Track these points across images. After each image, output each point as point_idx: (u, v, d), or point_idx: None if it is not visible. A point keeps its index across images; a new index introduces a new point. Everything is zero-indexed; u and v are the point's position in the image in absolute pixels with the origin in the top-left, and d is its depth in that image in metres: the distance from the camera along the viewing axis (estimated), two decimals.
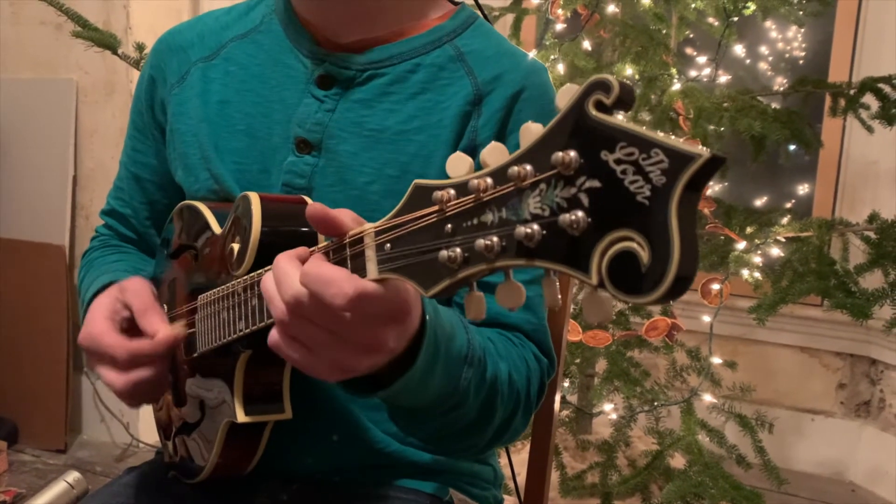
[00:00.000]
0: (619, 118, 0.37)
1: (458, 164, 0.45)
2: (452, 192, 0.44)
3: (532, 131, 0.40)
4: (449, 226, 0.44)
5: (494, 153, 0.42)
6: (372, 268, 0.49)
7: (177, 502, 0.84)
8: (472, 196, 0.43)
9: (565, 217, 0.37)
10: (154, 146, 0.92)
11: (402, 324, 0.53)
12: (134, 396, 0.74)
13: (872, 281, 1.66)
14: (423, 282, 0.46)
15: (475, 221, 0.43)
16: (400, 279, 0.48)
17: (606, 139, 0.36)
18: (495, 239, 0.41)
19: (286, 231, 0.66)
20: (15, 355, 2.45)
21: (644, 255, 0.35)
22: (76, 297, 0.77)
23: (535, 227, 0.39)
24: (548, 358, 0.80)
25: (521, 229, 0.39)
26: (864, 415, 2.51)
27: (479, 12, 0.89)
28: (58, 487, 1.99)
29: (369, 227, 0.50)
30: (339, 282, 0.48)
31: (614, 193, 0.36)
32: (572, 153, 0.37)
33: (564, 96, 0.39)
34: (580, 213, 0.37)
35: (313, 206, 0.52)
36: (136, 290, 0.76)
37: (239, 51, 0.86)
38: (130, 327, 0.75)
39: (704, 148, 0.34)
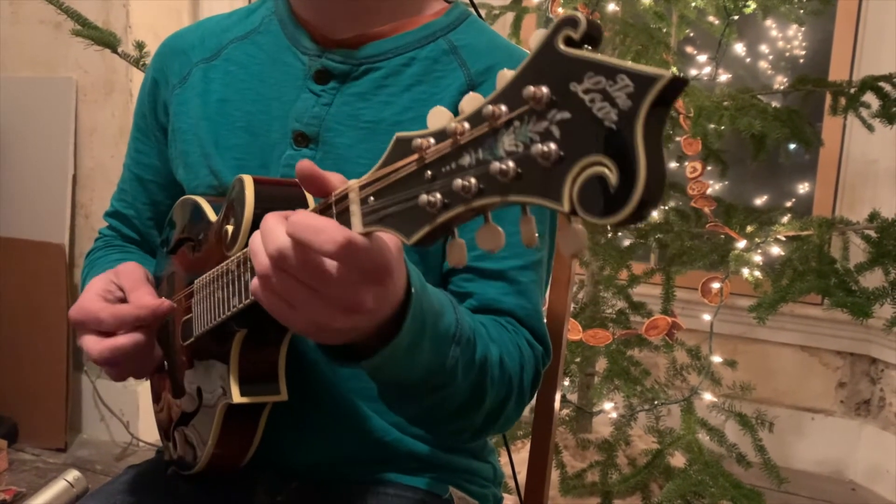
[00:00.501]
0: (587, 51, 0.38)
1: (438, 116, 0.45)
2: (432, 139, 0.45)
3: (507, 75, 0.41)
4: (429, 172, 0.45)
5: (472, 101, 0.43)
6: (356, 222, 0.50)
7: (176, 501, 0.84)
8: (450, 140, 0.43)
9: (537, 147, 0.38)
10: (156, 147, 0.93)
11: (380, 284, 0.52)
12: (110, 363, 0.75)
13: (873, 280, 1.65)
14: (406, 230, 0.46)
15: (454, 165, 0.43)
16: (384, 231, 0.48)
17: (575, 71, 0.37)
18: (472, 180, 0.42)
19: (278, 210, 0.66)
20: (15, 354, 2.45)
21: (612, 176, 0.36)
22: (76, 295, 0.78)
23: (510, 163, 0.40)
24: (543, 345, 0.79)
25: (496, 165, 0.40)
26: (864, 413, 2.51)
27: (472, 10, 0.90)
28: (57, 486, 1.99)
29: (353, 182, 0.51)
30: (329, 230, 0.48)
31: (584, 122, 0.37)
32: (544, 88, 0.38)
33: (536, 38, 0.40)
34: (552, 145, 0.38)
35: (303, 162, 0.53)
36: (129, 272, 0.78)
37: (239, 51, 0.88)
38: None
39: (669, 70, 0.35)
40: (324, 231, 0.48)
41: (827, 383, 2.55)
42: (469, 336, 0.66)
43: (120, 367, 0.76)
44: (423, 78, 0.81)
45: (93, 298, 0.76)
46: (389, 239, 0.52)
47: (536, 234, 0.42)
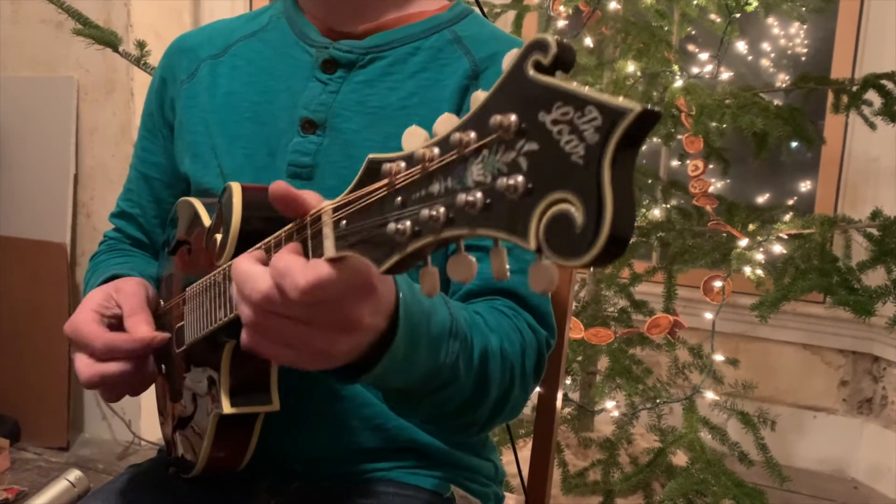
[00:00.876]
0: (558, 79, 0.36)
1: (413, 138, 0.44)
2: (402, 164, 0.43)
3: (479, 97, 0.39)
4: (399, 198, 0.43)
5: (445, 123, 0.41)
6: (329, 245, 0.49)
7: (178, 500, 0.84)
8: (419, 167, 0.42)
9: (502, 181, 0.36)
10: (163, 145, 0.95)
11: (370, 297, 0.51)
12: (98, 388, 0.75)
13: (875, 278, 1.65)
14: (377, 258, 0.45)
15: (423, 192, 0.42)
16: (356, 255, 0.47)
17: (544, 99, 0.35)
18: (441, 209, 0.40)
19: (267, 220, 0.64)
20: (17, 353, 2.45)
21: (578, 216, 0.34)
22: (78, 294, 0.78)
23: (479, 194, 0.38)
24: (546, 328, 0.79)
25: (463, 197, 0.38)
26: (866, 412, 2.51)
27: (475, 7, 0.93)
28: (59, 486, 1.99)
29: (327, 204, 0.50)
30: (293, 273, 0.48)
31: (551, 155, 0.35)
32: (512, 116, 0.37)
33: (507, 61, 0.38)
34: (519, 178, 0.36)
35: (277, 184, 0.52)
36: (130, 293, 0.77)
37: (246, 48, 0.90)
38: (118, 325, 0.76)
39: (638, 103, 0.33)
40: (287, 275, 0.48)
41: (829, 382, 2.54)
42: (466, 330, 0.66)
43: (109, 391, 0.77)
44: (428, 65, 0.83)
45: (87, 318, 0.75)
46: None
47: (507, 269, 0.40)
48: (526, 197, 0.36)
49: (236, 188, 0.66)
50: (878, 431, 2.45)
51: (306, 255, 0.51)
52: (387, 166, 0.44)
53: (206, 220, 0.76)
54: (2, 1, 2.44)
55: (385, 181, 0.44)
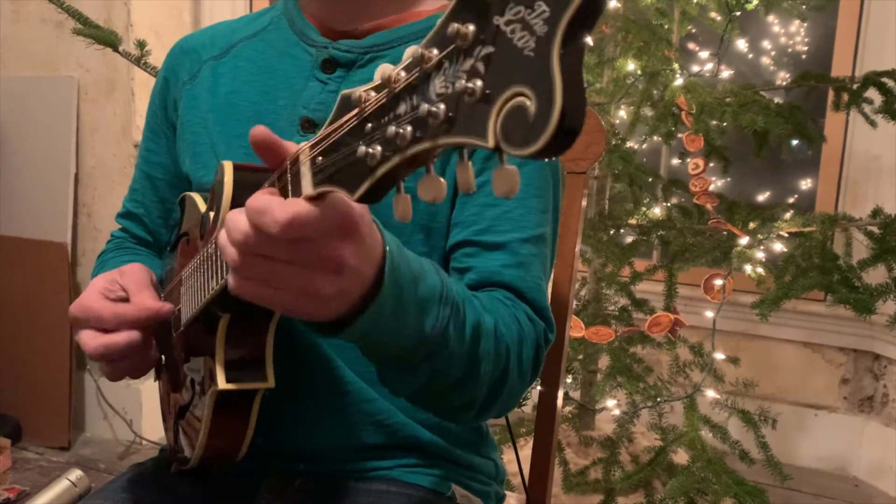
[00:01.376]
0: None
1: (382, 70, 0.44)
2: (372, 92, 0.44)
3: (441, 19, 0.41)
4: (369, 125, 0.44)
5: (409, 50, 0.43)
6: (306, 183, 0.49)
7: (180, 500, 0.84)
8: (386, 90, 0.43)
9: (460, 84, 0.37)
10: (166, 145, 0.95)
11: (352, 238, 0.51)
12: (105, 359, 0.75)
13: (876, 276, 1.65)
14: (350, 187, 0.46)
15: (391, 115, 0.43)
16: (332, 190, 0.47)
17: (497, 4, 0.37)
18: (408, 128, 0.41)
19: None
20: (18, 353, 2.45)
21: (531, 105, 0.35)
22: (79, 294, 0.78)
23: (441, 106, 0.39)
24: (545, 321, 0.79)
25: (425, 107, 0.39)
26: (867, 410, 2.51)
27: None
28: (60, 485, 1.99)
29: (304, 145, 0.50)
30: (271, 210, 0.48)
31: (505, 54, 0.36)
32: (469, 25, 0.38)
33: None
34: (477, 81, 0.37)
35: (257, 128, 0.53)
36: (134, 274, 0.78)
37: (248, 48, 0.91)
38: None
39: None
40: (266, 213, 0.48)
41: (830, 380, 2.54)
42: (457, 301, 0.65)
43: (114, 364, 0.77)
44: None
45: (94, 296, 0.76)
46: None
47: (474, 181, 0.41)
48: (483, 99, 0.37)
49: (228, 165, 0.67)
50: (880, 429, 2.45)
51: (285, 197, 0.51)
52: (357, 94, 0.45)
53: (203, 208, 0.77)
54: (2, 0, 2.44)
55: (356, 110, 0.45)
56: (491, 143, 0.37)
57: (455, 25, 0.38)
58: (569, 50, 0.34)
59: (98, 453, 2.40)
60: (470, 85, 0.37)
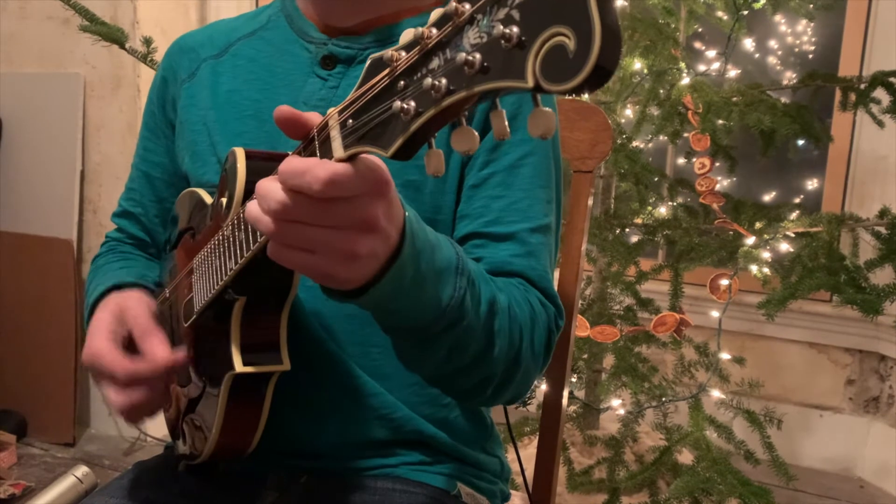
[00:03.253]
0: None
1: (409, 33, 0.45)
2: (403, 52, 0.45)
3: None
4: (401, 82, 0.45)
5: (438, 10, 0.44)
6: (337, 146, 0.50)
7: (185, 497, 0.84)
8: (418, 47, 0.44)
9: (497, 30, 0.39)
10: (165, 144, 0.95)
11: (385, 196, 0.52)
12: (131, 414, 0.76)
13: (883, 277, 1.65)
14: (384, 144, 0.46)
15: (424, 70, 0.44)
16: (363, 149, 0.48)
17: None
18: (442, 79, 0.42)
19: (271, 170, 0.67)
20: (23, 349, 2.46)
21: (570, 42, 0.36)
22: (84, 291, 0.79)
23: (477, 54, 0.40)
24: (555, 305, 0.79)
25: (461, 56, 0.40)
26: (872, 411, 2.50)
27: None
28: (66, 482, 2.00)
29: (332, 110, 0.51)
30: (312, 168, 0.48)
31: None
32: None
33: None
34: (513, 27, 0.38)
35: (280, 108, 0.54)
36: (137, 314, 0.78)
37: (247, 47, 0.91)
38: (132, 341, 0.77)
39: None
40: (307, 172, 0.48)
41: (835, 380, 2.54)
42: (472, 274, 0.66)
43: (137, 416, 0.78)
44: None
45: (105, 347, 0.76)
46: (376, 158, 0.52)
47: (507, 128, 0.43)
48: (520, 44, 0.38)
49: (240, 151, 0.68)
50: (885, 430, 2.44)
51: None
52: (388, 54, 0.46)
53: (210, 200, 0.77)
54: None
55: (387, 70, 0.46)
56: (530, 82, 0.38)
57: None
58: None
59: (103, 450, 2.41)
60: (507, 31, 0.38)
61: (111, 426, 2.50)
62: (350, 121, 0.49)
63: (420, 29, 0.44)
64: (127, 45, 1.72)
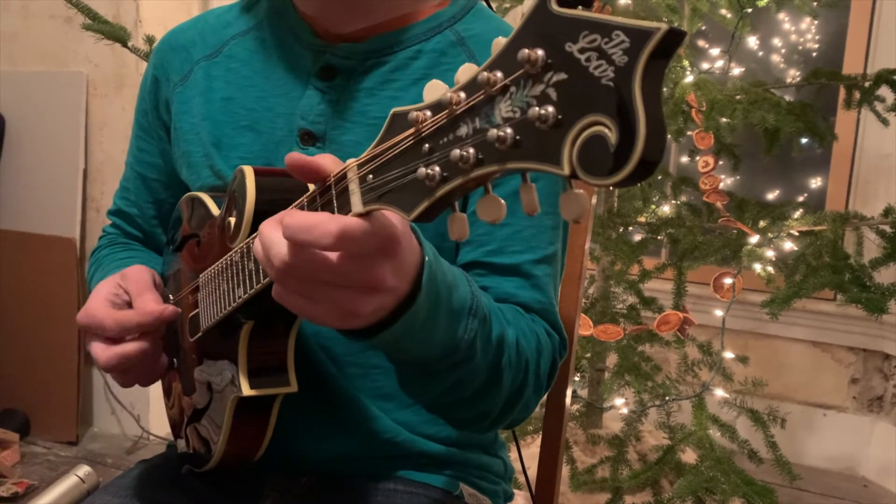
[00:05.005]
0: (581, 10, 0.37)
1: (434, 89, 0.44)
2: (428, 112, 0.44)
3: (501, 42, 0.40)
4: (426, 145, 0.44)
5: (467, 71, 0.42)
6: (356, 201, 0.49)
7: (187, 496, 0.84)
8: (446, 111, 0.43)
9: (534, 111, 0.37)
10: (159, 145, 0.92)
11: (394, 257, 0.51)
12: (117, 370, 0.75)
13: (887, 275, 1.64)
14: (406, 206, 0.45)
15: (451, 136, 0.42)
16: (384, 208, 0.47)
17: (569, 31, 0.37)
18: (471, 150, 0.41)
19: (280, 199, 0.65)
20: (26, 348, 2.46)
21: (612, 135, 0.35)
22: (87, 290, 0.78)
23: (508, 130, 0.39)
24: (559, 336, 0.79)
25: (493, 132, 0.39)
26: (876, 410, 2.50)
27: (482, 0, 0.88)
28: (69, 481, 2.00)
29: (351, 162, 0.50)
30: (322, 223, 0.47)
31: (580, 82, 0.36)
32: (539, 51, 0.38)
33: (529, 2, 0.39)
34: (549, 108, 0.37)
35: (292, 155, 0.52)
36: (135, 276, 0.77)
37: (241, 48, 0.86)
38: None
39: (662, 23, 0.34)
40: (316, 226, 0.47)
41: (839, 379, 2.53)
42: (485, 313, 0.65)
43: (127, 374, 0.76)
44: (430, 71, 0.79)
45: (99, 304, 0.75)
46: (392, 214, 0.50)
47: (538, 202, 0.41)
48: (557, 126, 0.37)
49: (248, 171, 0.67)
50: (889, 429, 2.44)
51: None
52: (413, 115, 0.44)
53: (215, 211, 0.76)
54: None
55: (412, 130, 0.45)
56: (566, 170, 0.37)
57: (525, 51, 0.38)
58: (649, 79, 0.34)
59: (106, 448, 2.41)
60: (542, 111, 0.37)
61: (114, 425, 2.50)
62: (370, 176, 0.48)
63: (448, 93, 0.42)
64: (130, 44, 1.72)
